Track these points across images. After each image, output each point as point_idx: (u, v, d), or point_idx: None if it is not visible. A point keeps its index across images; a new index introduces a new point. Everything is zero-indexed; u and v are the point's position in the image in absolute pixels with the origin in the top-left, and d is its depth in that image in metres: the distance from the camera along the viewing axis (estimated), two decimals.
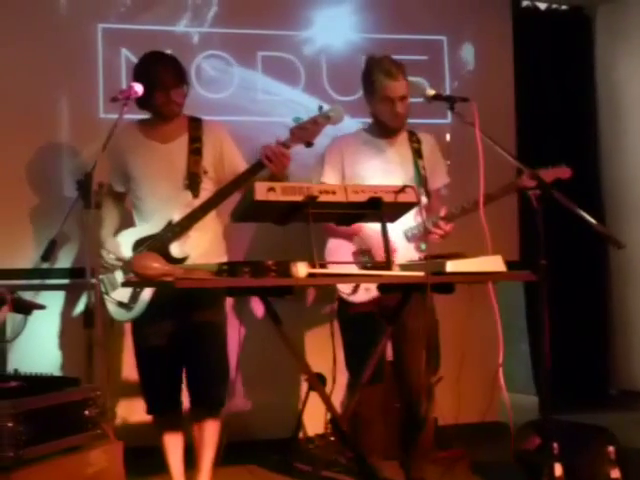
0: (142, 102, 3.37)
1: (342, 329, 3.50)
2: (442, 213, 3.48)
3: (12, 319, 2.83)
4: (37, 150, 4.27)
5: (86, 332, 3.06)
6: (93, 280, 3.09)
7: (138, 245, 3.34)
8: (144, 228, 3.39)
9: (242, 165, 3.40)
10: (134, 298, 3.34)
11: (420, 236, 3.47)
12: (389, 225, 2.96)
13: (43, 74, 4.28)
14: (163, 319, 3.36)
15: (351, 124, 4.56)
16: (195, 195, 3.35)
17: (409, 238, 3.49)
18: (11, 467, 2.30)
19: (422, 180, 3.52)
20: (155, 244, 3.29)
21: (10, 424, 2.31)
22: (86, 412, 2.61)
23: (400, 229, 3.41)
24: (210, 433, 3.43)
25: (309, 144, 3.23)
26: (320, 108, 3.21)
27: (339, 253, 3.43)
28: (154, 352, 3.39)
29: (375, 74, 3.48)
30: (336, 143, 3.59)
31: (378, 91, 3.47)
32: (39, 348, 4.12)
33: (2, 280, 3.74)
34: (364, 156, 3.53)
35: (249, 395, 4.56)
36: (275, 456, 4.22)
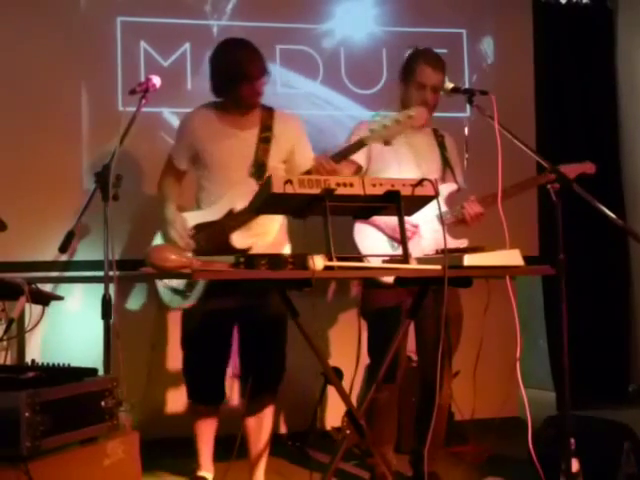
0: (220, 90, 3.33)
1: (367, 321, 3.48)
2: (473, 197, 3.52)
3: (30, 310, 2.84)
4: (57, 143, 4.30)
5: (104, 323, 3.08)
6: (111, 272, 3.10)
7: (197, 230, 3.29)
8: (206, 213, 3.33)
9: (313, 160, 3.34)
10: (191, 285, 3.26)
11: (454, 221, 3.53)
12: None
13: (63, 68, 4.31)
14: (223, 296, 3.24)
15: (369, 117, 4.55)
16: (260, 183, 3.22)
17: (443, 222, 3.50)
18: (28, 457, 2.30)
19: (450, 168, 3.57)
20: (215, 232, 3.25)
21: (27, 414, 2.31)
22: (103, 403, 2.62)
23: (433, 214, 3.40)
24: (267, 422, 3.43)
25: (387, 143, 3.18)
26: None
27: (367, 233, 3.45)
28: (206, 336, 3.33)
29: (418, 61, 3.52)
30: (363, 124, 3.57)
31: (415, 76, 3.50)
32: (57, 339, 4.16)
33: (23, 272, 3.77)
34: (391, 146, 3.45)
35: None
36: (292, 448, 4.24)
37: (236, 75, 3.25)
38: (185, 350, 3.46)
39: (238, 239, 3.23)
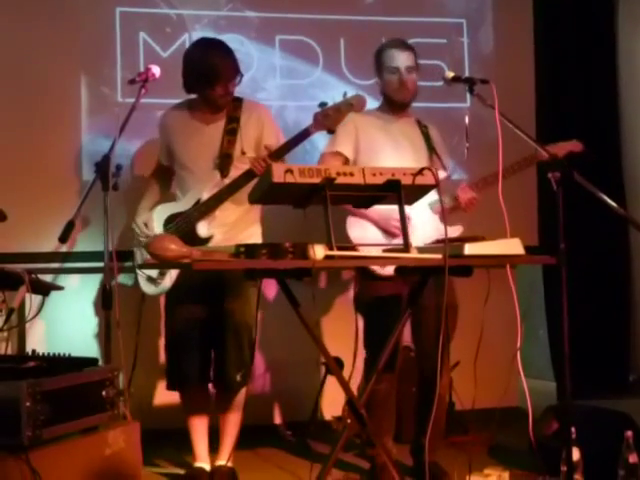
0: (192, 89, 3.44)
1: (363, 312, 3.47)
2: (464, 184, 3.59)
3: (30, 300, 2.85)
4: (57, 134, 4.30)
5: (104, 313, 3.09)
6: (111, 263, 3.11)
7: (169, 221, 3.45)
8: (177, 205, 3.49)
9: None
10: (162, 274, 3.41)
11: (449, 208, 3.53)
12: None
13: (62, 58, 4.30)
14: (193, 304, 3.43)
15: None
16: (224, 175, 3.41)
17: (434, 210, 3.49)
18: (29, 446, 2.31)
19: (437, 155, 3.58)
20: (183, 222, 3.39)
21: (28, 404, 2.32)
22: (104, 393, 2.63)
23: (424, 203, 3.40)
24: (229, 417, 3.48)
25: (330, 131, 3.29)
26: (344, 95, 3.23)
27: (361, 226, 3.45)
28: (183, 337, 3.45)
29: (382, 48, 3.57)
30: (349, 117, 3.52)
31: (385, 62, 3.55)
32: (58, 329, 4.16)
33: (24, 263, 3.77)
34: (376, 130, 3.57)
35: (268, 378, 4.58)
36: (293, 438, 4.24)
37: (209, 77, 3.36)
38: (166, 343, 3.55)
39: (202, 228, 3.38)
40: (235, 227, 3.45)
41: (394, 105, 3.60)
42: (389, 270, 3.30)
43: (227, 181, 3.39)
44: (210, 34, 4.38)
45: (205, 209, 3.38)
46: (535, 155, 3.52)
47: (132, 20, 4.41)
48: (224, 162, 3.42)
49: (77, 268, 4.25)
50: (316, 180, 2.67)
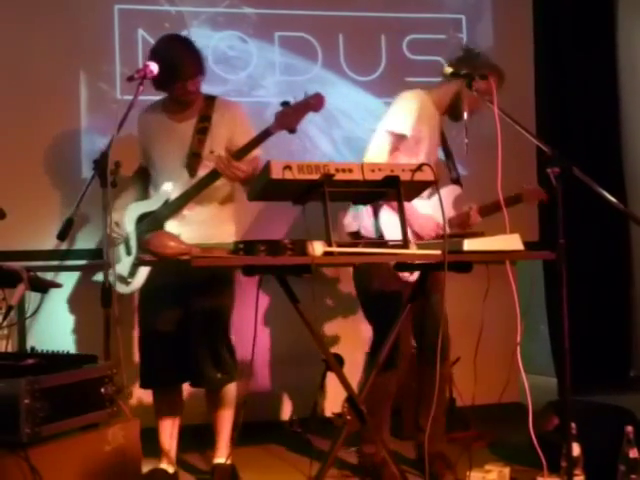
0: (159, 85, 3.40)
1: (369, 306, 3.48)
2: (474, 206, 3.60)
3: (29, 298, 2.85)
4: (56, 132, 4.30)
5: (103, 311, 3.08)
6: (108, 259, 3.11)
7: (140, 220, 3.42)
8: (149, 203, 3.46)
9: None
10: (132, 273, 3.40)
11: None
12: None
13: (60, 55, 4.30)
14: (167, 305, 3.40)
15: (375, 104, 4.55)
16: (192, 175, 3.39)
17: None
18: (28, 444, 2.31)
19: (453, 162, 3.59)
20: (153, 220, 3.37)
21: (27, 401, 2.32)
22: (103, 390, 2.63)
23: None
24: (220, 414, 3.47)
25: (292, 131, 3.25)
26: (305, 94, 3.21)
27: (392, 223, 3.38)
28: (156, 337, 3.41)
29: (495, 75, 3.30)
30: (418, 98, 3.44)
31: (483, 97, 3.27)
32: (57, 326, 4.16)
33: (23, 261, 3.77)
34: (428, 125, 3.46)
35: (268, 375, 4.58)
36: (293, 435, 4.24)
37: (169, 74, 3.33)
38: (140, 342, 3.51)
39: (170, 227, 3.33)
40: (205, 225, 3.40)
41: (451, 114, 3.52)
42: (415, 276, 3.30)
43: (194, 182, 3.36)
44: (208, 31, 4.40)
45: (174, 208, 3.36)
46: (522, 197, 3.69)
47: (130, 17, 4.41)
48: (192, 161, 3.39)
49: (76, 265, 4.25)
50: (315, 177, 2.67)
